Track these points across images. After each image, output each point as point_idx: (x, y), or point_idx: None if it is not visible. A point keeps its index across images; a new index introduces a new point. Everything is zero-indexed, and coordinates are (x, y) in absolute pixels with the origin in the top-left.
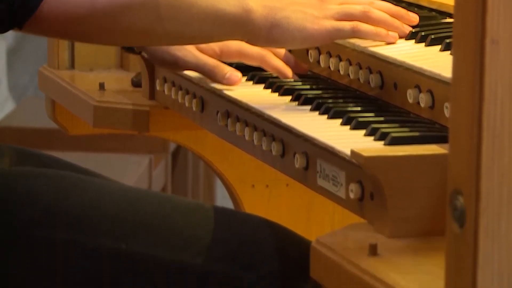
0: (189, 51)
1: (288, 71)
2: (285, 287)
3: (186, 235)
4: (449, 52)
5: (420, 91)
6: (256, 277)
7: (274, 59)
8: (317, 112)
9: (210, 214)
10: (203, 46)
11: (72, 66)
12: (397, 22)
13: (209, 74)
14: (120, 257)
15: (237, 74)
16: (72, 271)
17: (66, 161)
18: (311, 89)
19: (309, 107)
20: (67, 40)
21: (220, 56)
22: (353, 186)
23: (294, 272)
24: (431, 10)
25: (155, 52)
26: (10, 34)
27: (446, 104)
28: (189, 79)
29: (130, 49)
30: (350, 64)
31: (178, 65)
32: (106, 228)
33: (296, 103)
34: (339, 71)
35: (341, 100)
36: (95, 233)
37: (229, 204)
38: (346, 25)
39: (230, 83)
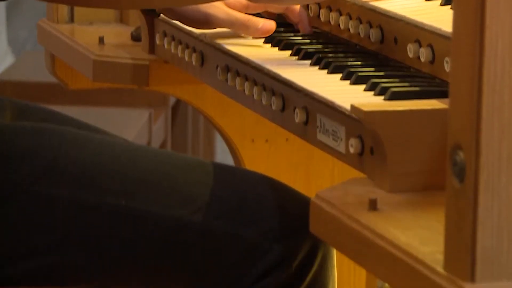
0: (220, 8)
1: (308, 24)
2: (284, 244)
3: (185, 192)
4: (449, 6)
5: (420, 46)
6: (255, 234)
7: (299, 8)
8: (317, 67)
9: (210, 171)
10: (231, 0)
11: (71, 20)
12: None
13: (242, 29)
14: (119, 213)
15: (271, 22)
16: (72, 227)
17: (67, 116)
18: (311, 43)
19: (309, 61)
20: (69, 5)
21: (247, 8)
22: (353, 141)
23: (294, 229)
24: None
25: (185, 12)
26: None
27: (447, 58)
28: (188, 33)
29: (150, 11)
30: (350, 19)
31: (211, 23)
32: (106, 184)
33: (296, 57)
34: (339, 25)
35: (341, 55)
36: (94, 190)
37: (229, 159)
38: None
39: (265, 33)
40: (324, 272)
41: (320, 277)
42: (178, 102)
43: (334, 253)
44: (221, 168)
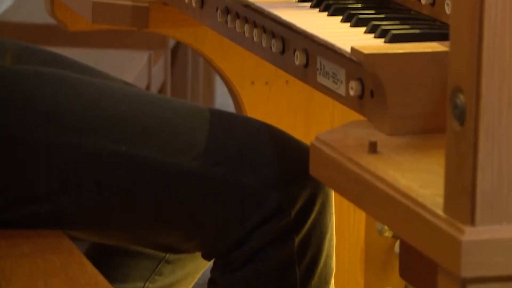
0: None
1: None
2: (283, 191)
3: (185, 139)
4: None
5: None
6: (254, 181)
7: None
8: (317, 9)
9: (210, 118)
10: None
11: None
12: None
13: None
14: (119, 159)
15: None
16: (72, 173)
17: (68, 58)
18: None
19: (309, 4)
20: None
21: None
22: (353, 84)
23: (293, 177)
24: None
25: None
26: None
27: (447, 1)
28: None
29: None
30: None
31: None
32: (106, 130)
33: (296, 0)
34: None
35: None
36: (95, 135)
37: (229, 101)
38: None
39: None
40: (323, 219)
41: (319, 224)
42: (177, 44)
43: (333, 200)
44: (221, 115)
